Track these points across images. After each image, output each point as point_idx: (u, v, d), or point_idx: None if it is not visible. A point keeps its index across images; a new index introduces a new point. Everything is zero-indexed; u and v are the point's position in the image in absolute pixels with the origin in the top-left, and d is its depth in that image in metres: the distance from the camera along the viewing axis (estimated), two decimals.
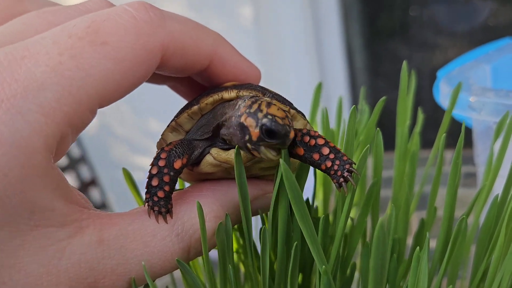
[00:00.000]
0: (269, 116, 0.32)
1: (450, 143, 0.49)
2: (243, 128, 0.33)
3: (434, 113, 0.70)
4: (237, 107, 0.35)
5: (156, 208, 0.34)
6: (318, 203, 0.48)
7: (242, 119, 0.34)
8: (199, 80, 0.42)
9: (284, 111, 0.33)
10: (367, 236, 0.44)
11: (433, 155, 0.51)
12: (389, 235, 0.31)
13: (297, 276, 0.36)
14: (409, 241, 0.47)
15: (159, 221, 0.34)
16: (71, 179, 1.75)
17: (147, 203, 0.35)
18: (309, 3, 1.48)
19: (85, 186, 1.85)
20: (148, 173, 0.35)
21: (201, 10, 1.55)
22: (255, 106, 0.33)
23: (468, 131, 0.64)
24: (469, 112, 0.56)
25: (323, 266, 0.33)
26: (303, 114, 0.39)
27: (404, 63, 0.44)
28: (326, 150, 0.34)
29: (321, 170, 0.35)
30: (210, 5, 1.52)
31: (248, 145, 0.33)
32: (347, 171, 0.34)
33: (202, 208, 0.34)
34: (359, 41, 1.63)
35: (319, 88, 0.53)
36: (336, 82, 1.47)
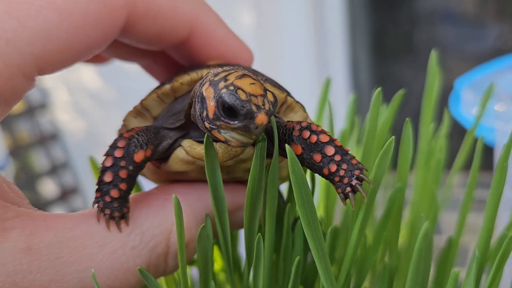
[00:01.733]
0: (231, 87, 0.25)
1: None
2: (202, 100, 0.26)
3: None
4: (203, 79, 0.28)
5: (107, 211, 0.27)
6: (320, 214, 0.41)
7: (203, 88, 0.26)
8: (177, 57, 0.34)
9: (265, 90, 0.26)
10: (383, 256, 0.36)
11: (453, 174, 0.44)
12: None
13: None
14: None
15: (111, 228, 0.27)
16: (53, 186, 1.67)
17: (96, 204, 0.27)
18: (313, 14, 1.43)
19: (68, 192, 1.77)
20: (101, 166, 0.28)
21: None
22: (222, 75, 0.26)
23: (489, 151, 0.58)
24: (494, 122, 0.50)
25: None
26: (302, 106, 0.31)
27: (433, 53, 0.38)
28: (330, 150, 0.27)
29: (323, 175, 0.27)
30: None
31: (206, 124, 0.26)
32: (356, 178, 0.26)
33: (181, 219, 0.26)
34: (365, 59, 1.58)
35: (327, 85, 0.46)
36: (340, 98, 1.41)
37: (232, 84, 0.25)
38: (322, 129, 0.28)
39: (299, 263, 0.28)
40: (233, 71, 0.26)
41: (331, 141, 0.27)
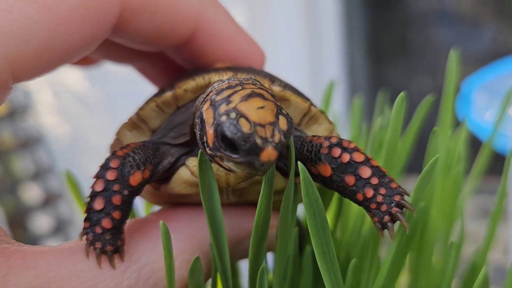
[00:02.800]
0: (232, 115, 0.20)
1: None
2: (202, 123, 0.22)
3: None
4: (206, 95, 0.23)
5: (98, 245, 0.23)
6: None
7: (204, 108, 0.22)
8: (178, 59, 0.30)
9: (277, 115, 0.21)
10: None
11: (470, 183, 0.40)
12: None
13: None
14: None
15: (102, 264, 0.23)
16: (37, 191, 1.61)
17: (85, 236, 0.23)
18: (307, 13, 1.40)
19: (53, 198, 1.72)
20: (90, 190, 0.23)
21: None
22: (226, 94, 0.21)
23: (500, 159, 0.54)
24: (508, 127, 0.46)
25: None
26: (327, 116, 0.27)
27: (453, 54, 0.34)
28: (366, 172, 0.23)
29: (356, 201, 0.23)
30: None
31: (207, 149, 0.22)
32: (397, 206, 0.22)
33: (170, 252, 0.22)
34: (360, 60, 1.55)
35: (330, 89, 0.42)
36: (334, 100, 1.38)
37: (235, 109, 0.20)
38: (355, 146, 0.23)
39: None
40: (239, 87, 0.22)
41: (367, 160, 0.23)
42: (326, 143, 0.23)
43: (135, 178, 0.23)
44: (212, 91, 0.23)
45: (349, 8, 1.42)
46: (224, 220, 0.25)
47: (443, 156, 0.34)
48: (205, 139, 0.22)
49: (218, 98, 0.21)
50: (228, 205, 0.27)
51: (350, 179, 0.23)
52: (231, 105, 0.21)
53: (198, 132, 0.23)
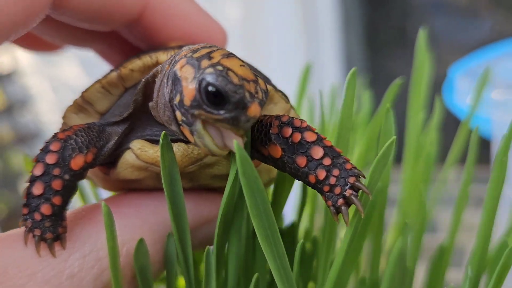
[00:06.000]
0: (219, 67, 0.19)
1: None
2: (176, 81, 0.20)
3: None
4: (174, 56, 0.22)
5: (37, 232, 0.21)
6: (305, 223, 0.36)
7: (177, 66, 0.21)
8: (132, 39, 0.29)
9: (254, 74, 0.20)
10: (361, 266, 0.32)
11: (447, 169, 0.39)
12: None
13: None
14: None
15: (42, 252, 0.21)
16: None
17: (24, 223, 0.22)
18: (304, 5, 1.38)
19: None
20: (29, 175, 0.22)
21: None
22: (204, 51, 0.20)
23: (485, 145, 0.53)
24: (491, 111, 0.45)
25: None
26: (285, 96, 0.26)
27: (421, 34, 0.33)
28: (318, 152, 0.21)
29: (309, 184, 0.22)
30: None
31: (178, 114, 0.20)
32: (351, 188, 0.21)
33: (113, 233, 0.21)
34: (358, 51, 1.54)
35: (306, 72, 0.41)
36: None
37: (219, 63, 0.20)
38: (308, 125, 0.22)
39: (258, 281, 0.23)
40: (216, 48, 0.21)
41: (319, 140, 0.22)
42: (276, 122, 0.22)
43: (77, 162, 0.22)
44: (181, 52, 0.22)
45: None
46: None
47: (412, 139, 0.33)
48: (177, 100, 0.20)
49: (197, 55, 0.21)
50: (184, 191, 0.26)
51: (301, 160, 0.21)
52: (214, 60, 0.20)
53: (167, 96, 0.21)
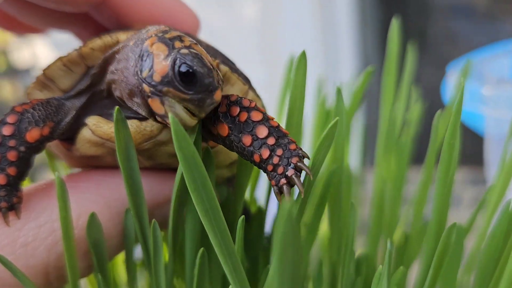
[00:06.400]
0: (193, 50, 0.20)
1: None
2: (146, 55, 0.21)
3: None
4: (139, 34, 0.23)
5: None
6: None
7: (148, 43, 0.21)
8: (102, 20, 0.29)
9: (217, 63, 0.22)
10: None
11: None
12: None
13: None
14: None
15: None
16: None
17: None
18: (321, 5, 1.38)
19: None
20: None
21: (201, 3, 1.46)
22: (175, 34, 0.21)
23: (479, 142, 0.53)
24: (482, 107, 0.45)
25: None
26: (245, 78, 0.26)
27: (394, 22, 0.33)
28: (263, 131, 0.22)
29: (254, 163, 0.22)
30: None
31: (145, 86, 0.21)
32: (294, 168, 0.21)
33: (66, 204, 0.22)
34: (374, 52, 1.53)
35: (291, 65, 0.41)
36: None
37: (191, 47, 0.21)
38: (256, 105, 0.23)
39: (204, 255, 0.23)
40: (182, 33, 0.22)
41: (265, 120, 0.22)
42: (225, 101, 0.23)
43: (32, 135, 0.23)
44: (148, 32, 0.23)
45: (364, 3, 1.41)
46: (143, 184, 0.25)
47: (385, 124, 0.33)
48: (146, 73, 0.21)
49: (168, 36, 0.22)
50: (145, 169, 0.26)
51: (247, 139, 0.22)
52: (186, 44, 0.21)
53: (133, 69, 0.22)
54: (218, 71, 0.22)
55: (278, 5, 1.35)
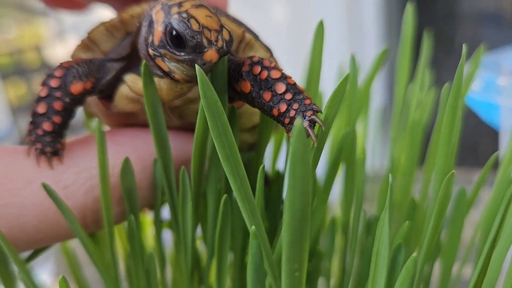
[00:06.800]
0: (184, 15, 0.23)
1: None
2: (150, 24, 0.24)
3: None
4: (156, 3, 0.26)
5: (38, 146, 0.25)
6: None
7: (154, 11, 0.24)
8: None
9: (221, 26, 0.24)
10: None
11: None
12: None
13: (227, 245, 0.27)
14: None
15: (42, 164, 0.25)
16: None
17: (28, 138, 0.26)
18: (348, 10, 1.39)
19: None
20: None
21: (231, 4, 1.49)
22: (177, 0, 0.24)
23: (494, 136, 0.54)
24: (497, 97, 0.47)
25: (253, 227, 0.23)
26: (268, 48, 0.29)
27: (409, 8, 0.35)
28: (281, 88, 0.24)
29: (273, 117, 0.25)
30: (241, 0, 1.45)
31: (150, 50, 0.24)
32: (308, 120, 0.23)
33: (103, 148, 0.24)
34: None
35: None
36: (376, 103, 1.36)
37: (186, 11, 0.23)
38: (275, 65, 0.25)
39: (227, 201, 0.25)
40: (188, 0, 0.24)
41: (283, 78, 0.25)
42: (248, 62, 0.25)
43: (76, 87, 0.26)
44: (159, 1, 0.25)
45: (390, 5, 1.42)
46: (171, 141, 0.27)
47: (398, 104, 0.35)
48: (150, 39, 0.24)
49: (170, 3, 0.24)
50: (175, 128, 0.29)
51: (267, 95, 0.24)
52: (183, 9, 0.23)
53: (144, 35, 0.25)
54: (220, 34, 0.23)
55: (307, 8, 1.37)
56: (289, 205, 0.17)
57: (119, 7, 0.35)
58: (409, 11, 0.34)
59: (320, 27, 0.25)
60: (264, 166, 0.25)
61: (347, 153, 0.28)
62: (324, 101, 0.36)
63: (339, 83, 0.23)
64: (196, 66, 0.22)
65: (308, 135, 0.23)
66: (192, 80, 0.24)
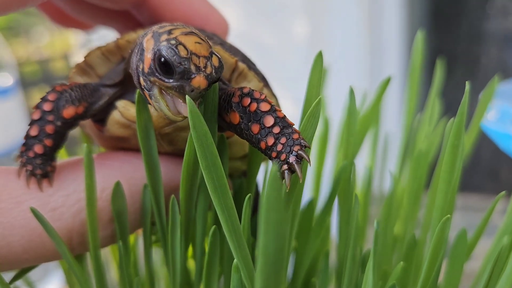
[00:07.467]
0: (172, 41, 0.22)
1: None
2: (141, 51, 0.24)
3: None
4: (149, 29, 0.25)
5: (29, 168, 0.25)
6: None
7: (145, 39, 0.24)
8: (141, 18, 0.32)
9: (211, 53, 0.23)
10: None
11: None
12: None
13: (215, 274, 0.26)
14: None
15: (32, 186, 0.25)
16: None
17: (20, 159, 0.26)
18: (369, 27, 1.38)
19: None
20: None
21: (252, 22, 1.49)
22: (168, 28, 0.24)
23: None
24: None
25: (235, 261, 0.23)
26: (262, 77, 0.29)
27: (419, 35, 0.34)
28: (270, 121, 0.24)
29: (261, 150, 0.24)
30: (262, 17, 1.46)
31: (141, 79, 0.24)
32: (295, 155, 0.23)
33: (91, 172, 0.24)
34: (423, 77, 1.52)
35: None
36: (393, 124, 1.35)
37: (175, 38, 0.23)
38: (265, 97, 0.25)
39: (216, 232, 0.25)
40: (181, 26, 0.24)
41: (273, 110, 0.24)
42: (238, 92, 0.25)
43: (68, 112, 0.26)
44: (154, 27, 0.25)
45: (413, 26, 1.40)
46: (161, 167, 0.27)
47: (405, 133, 0.34)
48: (141, 67, 0.24)
49: (161, 30, 0.24)
50: (165, 154, 0.29)
51: (255, 128, 0.24)
52: (172, 36, 0.23)
53: (136, 63, 0.24)
54: (209, 60, 0.23)
55: (327, 24, 1.37)
56: (263, 250, 0.17)
57: (122, 30, 0.35)
58: (419, 38, 0.33)
59: (319, 58, 0.25)
60: (250, 196, 0.24)
61: (343, 187, 0.27)
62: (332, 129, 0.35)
63: (312, 107, 0.23)
64: (187, 97, 0.21)
65: (294, 171, 0.23)
66: (171, 121, 0.24)
